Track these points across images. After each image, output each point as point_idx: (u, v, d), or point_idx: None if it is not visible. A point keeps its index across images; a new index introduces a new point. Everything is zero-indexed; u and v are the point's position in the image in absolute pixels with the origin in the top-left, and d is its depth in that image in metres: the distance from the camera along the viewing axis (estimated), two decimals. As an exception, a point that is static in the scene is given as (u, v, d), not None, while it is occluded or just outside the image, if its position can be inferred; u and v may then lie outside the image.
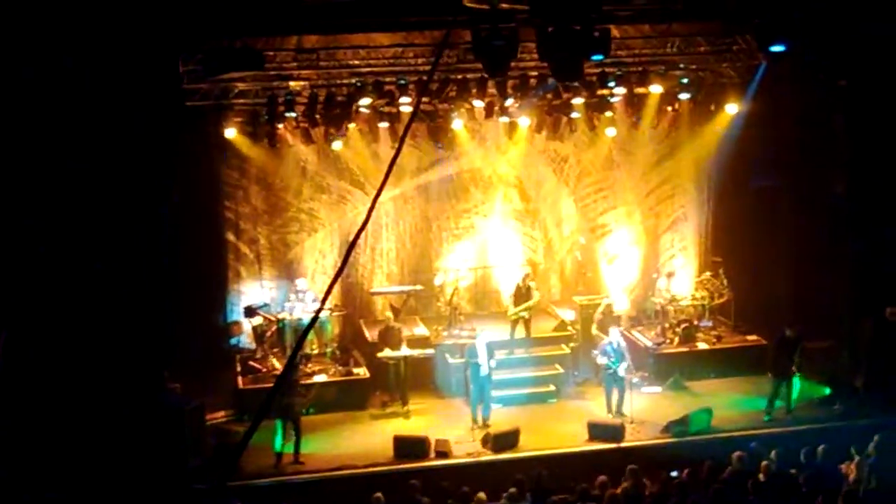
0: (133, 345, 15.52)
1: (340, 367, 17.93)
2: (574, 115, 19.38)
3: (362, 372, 17.78)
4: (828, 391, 17.05)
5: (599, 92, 18.63)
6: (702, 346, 18.69)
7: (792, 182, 19.81)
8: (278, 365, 17.78)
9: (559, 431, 16.13)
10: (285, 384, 14.88)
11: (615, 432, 15.54)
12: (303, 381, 16.39)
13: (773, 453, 13.39)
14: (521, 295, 18.23)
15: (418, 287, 19.77)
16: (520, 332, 18.36)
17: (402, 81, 17.48)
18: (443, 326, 18.83)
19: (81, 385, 14.64)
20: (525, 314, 18.16)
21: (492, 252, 20.94)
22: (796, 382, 16.38)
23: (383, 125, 18.76)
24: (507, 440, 15.47)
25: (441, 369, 17.97)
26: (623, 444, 15.38)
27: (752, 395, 17.03)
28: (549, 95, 18.78)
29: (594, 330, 18.29)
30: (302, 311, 18.32)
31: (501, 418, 16.38)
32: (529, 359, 18.23)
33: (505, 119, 19.42)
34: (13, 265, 13.94)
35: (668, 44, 18.27)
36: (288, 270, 19.83)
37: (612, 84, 18.27)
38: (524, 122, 19.46)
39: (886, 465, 12.84)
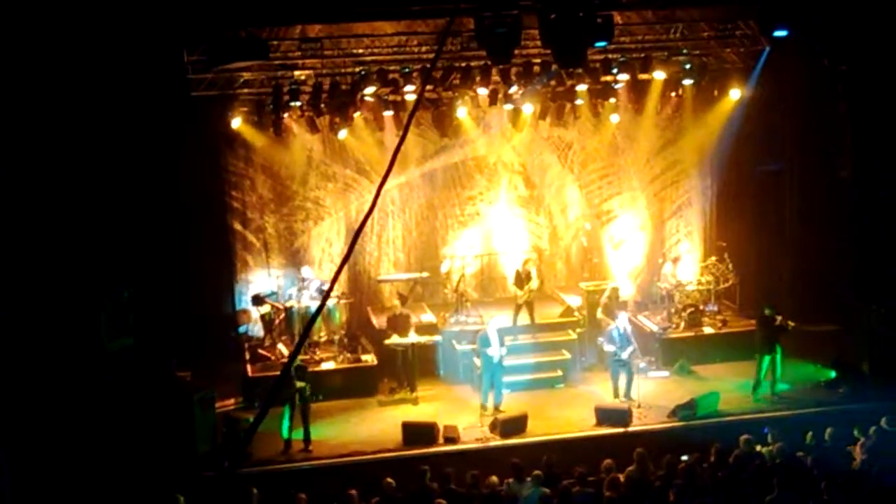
0: (141, 332, 15.67)
1: (349, 355, 18.00)
2: (578, 101, 19.39)
3: (370, 359, 17.85)
4: (833, 374, 17.11)
5: (603, 78, 18.65)
6: (708, 330, 18.75)
7: (796, 167, 19.88)
8: (286, 352, 17.90)
9: (567, 416, 16.19)
10: (291, 371, 15.00)
11: (622, 417, 15.62)
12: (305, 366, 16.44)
13: (769, 437, 13.58)
14: (522, 280, 18.37)
15: (425, 274, 19.85)
16: (523, 318, 18.47)
17: (406, 69, 17.56)
18: (450, 313, 18.91)
19: (90, 374, 14.78)
20: (528, 297, 18.30)
21: (497, 239, 20.99)
22: (780, 360, 16.46)
23: (388, 113, 18.77)
24: (514, 425, 15.55)
25: (448, 356, 18.07)
26: (630, 429, 15.48)
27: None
28: (552, 82, 18.81)
29: (599, 314, 18.36)
30: (309, 299, 18.39)
31: (509, 404, 16.46)
32: (536, 344, 18.30)
33: (509, 106, 19.39)
34: (17, 250, 13.99)
35: (671, 29, 18.31)
36: (295, 259, 19.89)
37: (615, 70, 18.33)
38: (528, 109, 19.43)
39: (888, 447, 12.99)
